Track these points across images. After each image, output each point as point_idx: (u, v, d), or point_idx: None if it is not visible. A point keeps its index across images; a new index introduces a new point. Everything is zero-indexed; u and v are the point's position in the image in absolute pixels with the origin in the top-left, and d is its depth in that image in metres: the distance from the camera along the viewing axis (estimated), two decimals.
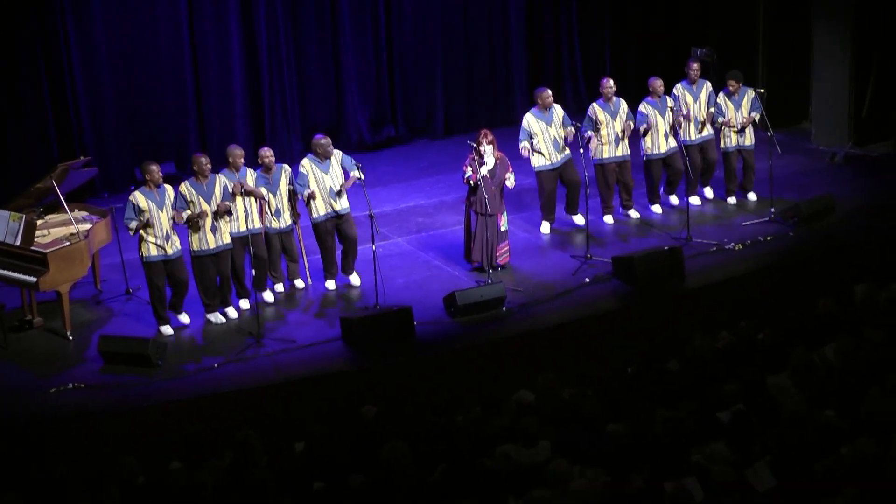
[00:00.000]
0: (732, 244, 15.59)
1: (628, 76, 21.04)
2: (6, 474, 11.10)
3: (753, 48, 20.18)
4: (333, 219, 14.66)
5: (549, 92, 16.06)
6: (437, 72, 21.05)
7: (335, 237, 14.81)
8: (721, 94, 16.72)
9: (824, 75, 19.43)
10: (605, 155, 16.22)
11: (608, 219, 16.57)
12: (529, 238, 16.22)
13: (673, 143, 16.39)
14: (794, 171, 18.23)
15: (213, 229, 13.93)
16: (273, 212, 14.44)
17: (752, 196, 17.01)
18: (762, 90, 17.17)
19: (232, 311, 14.35)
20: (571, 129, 15.86)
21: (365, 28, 20.27)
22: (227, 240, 14.07)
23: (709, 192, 17.16)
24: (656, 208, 16.81)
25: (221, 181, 14.00)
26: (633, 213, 16.66)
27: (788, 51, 20.06)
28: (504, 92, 21.68)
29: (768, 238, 15.78)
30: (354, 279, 15.01)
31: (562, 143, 15.97)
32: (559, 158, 16.00)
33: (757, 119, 16.51)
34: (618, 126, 16.15)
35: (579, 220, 16.33)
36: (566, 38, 21.87)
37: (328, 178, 14.54)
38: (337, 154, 14.72)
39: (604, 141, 16.17)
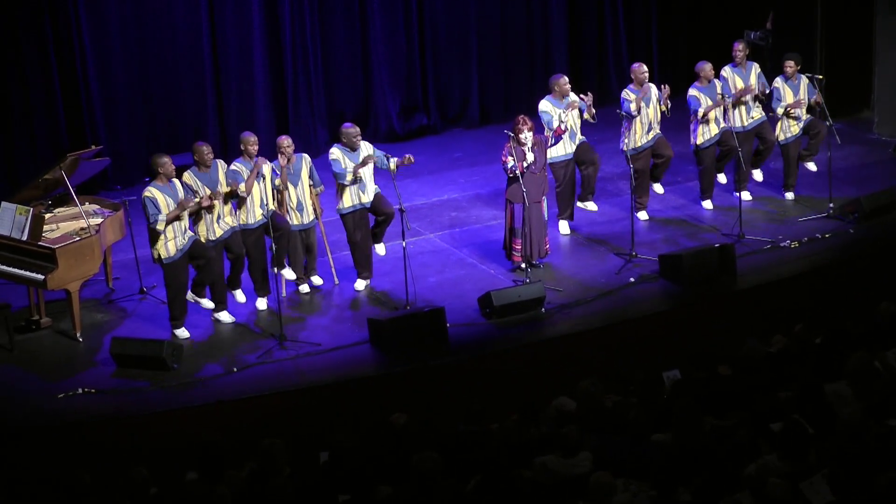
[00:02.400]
0: (788, 242, 15.54)
1: (679, 60, 21.02)
2: (12, 486, 11.15)
3: (811, 31, 20.01)
4: (361, 210, 14.67)
5: (566, 79, 15.95)
6: (473, 55, 20.99)
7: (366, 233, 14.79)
8: (779, 80, 16.61)
9: (887, 60, 19.32)
10: (639, 144, 16.17)
11: (708, 204, 16.74)
12: (570, 234, 16.18)
13: (722, 124, 16.33)
14: (855, 163, 18.20)
15: (218, 219, 14.01)
16: (295, 205, 14.49)
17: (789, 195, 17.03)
18: (821, 76, 17.11)
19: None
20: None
21: (395, 8, 20.25)
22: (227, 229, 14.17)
23: (758, 175, 17.11)
24: (707, 204, 16.78)
25: (223, 167, 14.06)
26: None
27: (848, 33, 19.91)
28: (544, 77, 21.58)
29: (826, 235, 15.73)
30: (358, 284, 14.98)
31: (578, 131, 15.98)
32: (573, 148, 15.93)
33: (820, 101, 16.43)
34: (651, 113, 16.12)
35: (591, 206, 16.43)
36: (610, 19, 21.77)
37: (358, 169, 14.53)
38: (367, 146, 14.66)
39: (637, 129, 16.14)
